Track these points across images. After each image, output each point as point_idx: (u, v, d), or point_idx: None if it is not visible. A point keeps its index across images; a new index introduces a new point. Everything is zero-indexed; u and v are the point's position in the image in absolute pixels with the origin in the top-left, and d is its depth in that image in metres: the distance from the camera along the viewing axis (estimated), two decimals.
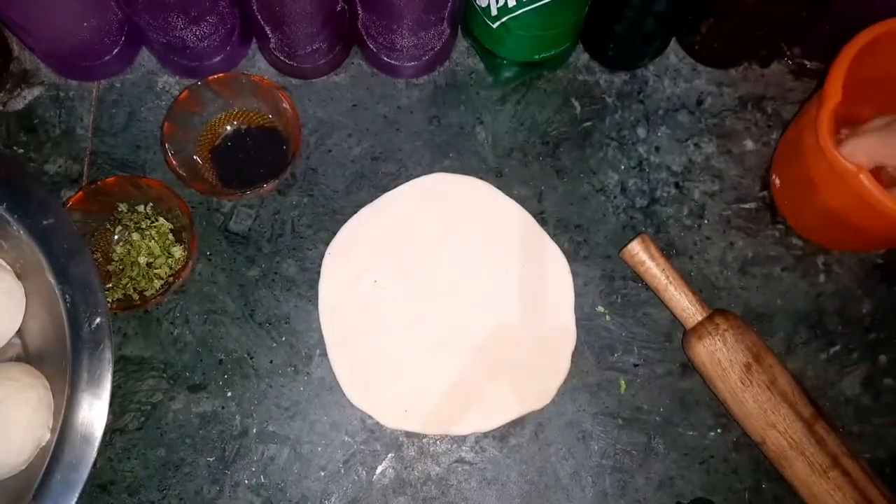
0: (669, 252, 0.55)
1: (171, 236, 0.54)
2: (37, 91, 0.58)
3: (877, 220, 0.46)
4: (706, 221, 0.56)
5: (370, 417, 0.51)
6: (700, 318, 0.51)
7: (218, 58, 0.57)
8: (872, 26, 0.47)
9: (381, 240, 0.54)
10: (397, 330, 0.52)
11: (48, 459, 0.41)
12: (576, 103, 0.59)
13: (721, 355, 0.49)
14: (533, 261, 0.54)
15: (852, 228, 0.51)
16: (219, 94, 0.55)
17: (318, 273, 0.54)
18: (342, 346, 0.52)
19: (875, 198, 0.44)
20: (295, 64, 0.57)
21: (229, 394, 0.52)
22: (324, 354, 0.52)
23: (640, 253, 0.51)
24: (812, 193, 0.51)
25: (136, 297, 0.52)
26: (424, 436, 0.51)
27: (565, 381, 0.52)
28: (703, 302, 0.52)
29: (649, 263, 0.51)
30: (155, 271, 0.53)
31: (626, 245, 0.52)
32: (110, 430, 0.51)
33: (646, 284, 0.53)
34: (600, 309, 0.54)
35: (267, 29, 0.53)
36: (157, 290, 0.52)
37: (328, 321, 0.53)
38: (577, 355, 0.53)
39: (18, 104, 0.58)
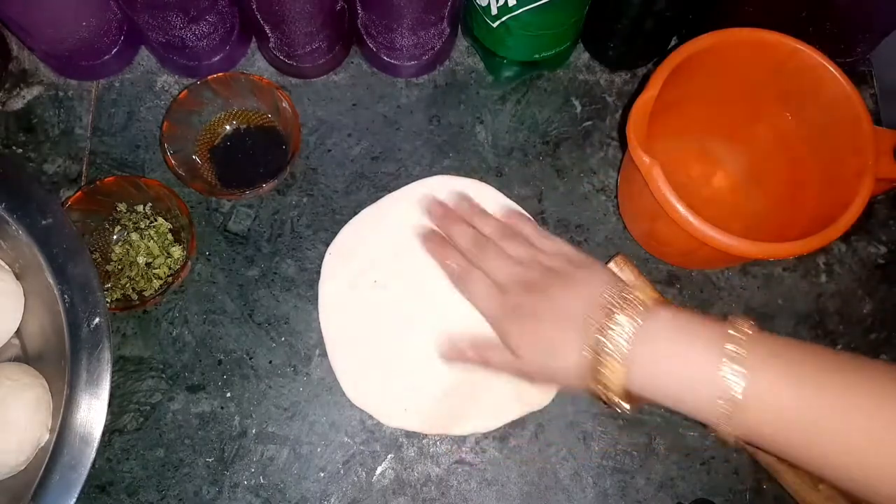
0: None
1: (170, 236, 0.54)
2: (36, 91, 0.58)
3: (673, 228, 0.45)
4: None
5: (370, 418, 0.51)
6: None
7: (217, 57, 0.57)
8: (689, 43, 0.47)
9: (381, 240, 0.54)
10: (397, 329, 0.52)
11: (47, 460, 0.41)
12: (576, 103, 0.59)
13: None
14: None
15: (655, 236, 0.52)
16: (218, 93, 0.55)
17: (318, 273, 0.53)
18: (342, 345, 0.52)
19: (661, 195, 0.44)
20: (294, 63, 0.57)
21: (228, 394, 0.52)
22: (323, 355, 0.52)
23: (616, 275, 0.51)
24: (629, 195, 0.52)
25: (135, 297, 0.52)
26: (424, 436, 0.51)
27: None
28: None
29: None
30: (154, 271, 0.53)
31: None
32: (109, 431, 0.51)
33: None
34: None
35: (266, 28, 0.53)
36: (156, 290, 0.52)
37: (328, 321, 0.52)
38: None
39: (17, 104, 0.58)
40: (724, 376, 0.37)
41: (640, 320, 0.40)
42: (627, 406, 0.41)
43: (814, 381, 0.37)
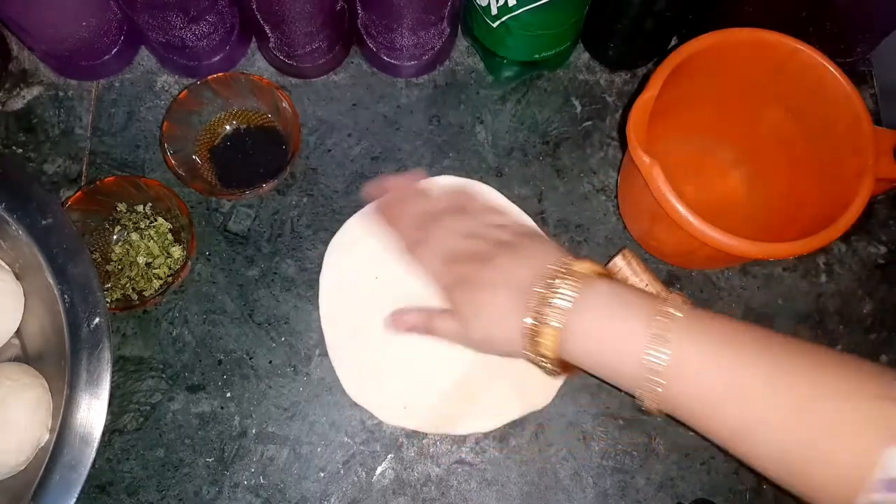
0: None
1: (170, 236, 0.54)
2: (36, 91, 0.58)
3: (673, 228, 0.45)
4: None
5: (370, 418, 0.51)
6: None
7: (217, 57, 0.57)
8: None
9: (381, 239, 0.54)
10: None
11: (47, 460, 0.41)
12: (576, 103, 0.59)
13: None
14: None
15: (655, 236, 0.52)
16: (218, 93, 0.55)
17: (318, 273, 0.53)
18: (342, 343, 0.52)
19: (661, 195, 0.44)
20: (294, 63, 0.57)
21: (228, 394, 0.52)
22: (323, 355, 0.52)
23: (623, 269, 0.51)
24: (629, 195, 0.52)
25: (134, 297, 0.52)
26: (424, 436, 0.51)
27: (566, 382, 0.52)
28: None
29: (633, 280, 0.51)
30: (154, 271, 0.53)
31: (609, 260, 0.52)
32: (109, 431, 0.51)
33: None
34: None
35: (266, 28, 0.53)
36: (155, 290, 0.52)
37: (329, 319, 0.52)
38: None
39: (17, 104, 0.58)
40: (648, 349, 0.38)
41: (579, 291, 0.41)
42: (562, 374, 0.43)
43: (736, 357, 0.38)
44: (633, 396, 0.40)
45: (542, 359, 0.42)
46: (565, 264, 0.42)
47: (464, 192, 0.53)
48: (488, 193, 0.55)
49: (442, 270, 0.47)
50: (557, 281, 0.41)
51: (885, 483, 0.33)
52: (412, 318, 0.49)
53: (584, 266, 0.42)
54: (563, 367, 0.42)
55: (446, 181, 0.56)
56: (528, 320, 0.41)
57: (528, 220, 0.55)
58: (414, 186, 0.53)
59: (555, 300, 0.41)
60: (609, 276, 0.43)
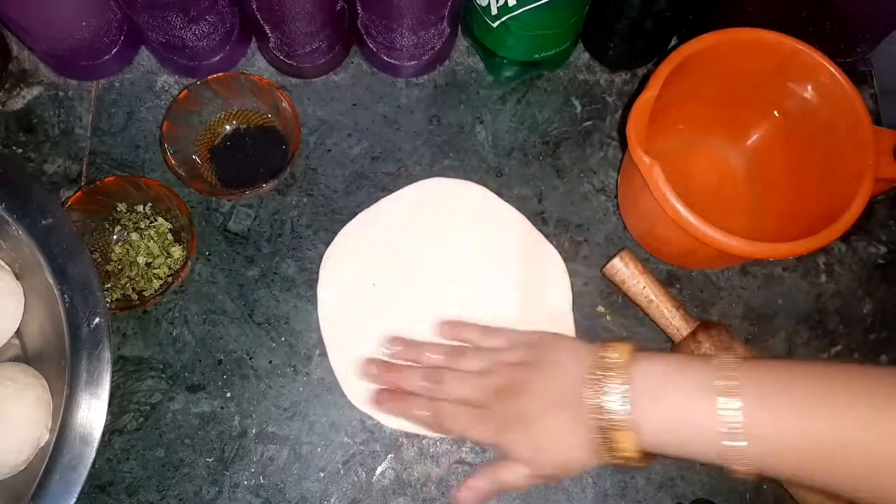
0: None
1: (170, 236, 0.54)
2: (36, 90, 0.58)
3: (673, 228, 0.45)
4: None
5: (370, 418, 0.51)
6: (685, 334, 0.50)
7: (217, 57, 0.57)
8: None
9: (380, 241, 0.54)
10: (396, 331, 0.52)
11: (47, 460, 0.41)
12: (576, 103, 0.59)
13: None
14: (531, 263, 0.54)
15: (655, 236, 0.52)
16: (218, 93, 0.55)
17: (318, 273, 0.53)
18: (342, 346, 0.52)
19: (661, 195, 0.44)
20: (294, 63, 0.57)
21: (228, 394, 0.52)
22: (323, 354, 0.52)
23: (621, 271, 0.51)
24: (629, 195, 0.52)
25: (134, 297, 0.52)
26: (424, 436, 0.51)
27: None
28: (689, 316, 0.51)
29: (630, 282, 0.51)
30: (154, 271, 0.53)
31: (608, 261, 0.52)
32: (109, 431, 0.51)
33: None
34: (601, 309, 0.54)
35: (266, 28, 0.53)
36: (155, 290, 0.52)
37: (328, 322, 0.52)
38: None
39: (17, 104, 0.58)
40: (721, 414, 0.36)
41: (628, 382, 0.39)
42: (651, 460, 0.40)
43: (808, 401, 0.36)
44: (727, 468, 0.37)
45: (626, 461, 0.39)
46: (597, 362, 0.40)
47: (448, 327, 0.50)
48: (485, 196, 0.55)
49: (476, 424, 0.44)
50: (603, 383, 0.39)
51: None
52: (482, 488, 0.44)
53: (616, 352, 0.40)
54: (647, 457, 0.40)
55: (439, 183, 0.56)
56: (594, 435, 0.39)
57: (526, 222, 0.55)
58: (401, 352, 0.50)
59: (610, 404, 0.38)
60: (639, 350, 0.41)
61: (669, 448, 0.39)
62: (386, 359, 0.50)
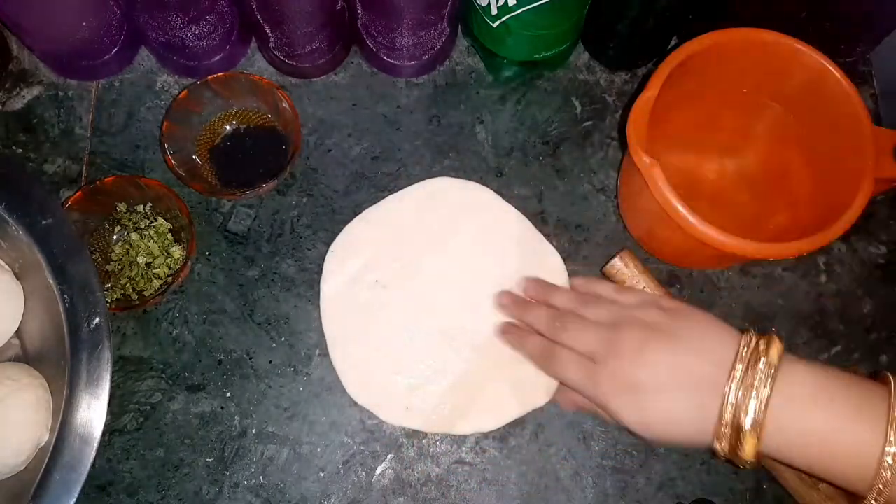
0: None
1: (170, 236, 0.54)
2: (36, 90, 0.58)
3: (673, 228, 0.45)
4: None
5: (370, 418, 0.51)
6: None
7: (217, 57, 0.57)
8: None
9: (382, 240, 0.54)
10: (398, 329, 0.52)
11: (47, 460, 0.41)
12: (576, 103, 0.59)
13: None
14: (531, 263, 0.54)
15: (655, 236, 0.52)
16: (218, 93, 0.55)
17: (318, 273, 0.53)
18: (343, 344, 0.52)
19: (661, 195, 0.44)
20: (294, 63, 0.57)
21: (228, 394, 0.52)
22: (323, 354, 0.52)
23: (621, 271, 0.51)
24: (629, 195, 0.52)
25: (134, 297, 0.52)
26: (424, 436, 0.51)
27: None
28: None
29: (630, 282, 0.51)
30: (154, 271, 0.53)
31: (608, 261, 0.52)
32: (109, 431, 0.51)
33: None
34: None
35: (266, 28, 0.53)
36: (155, 290, 0.52)
37: (329, 319, 0.52)
38: None
39: (17, 104, 0.58)
40: (889, 448, 0.34)
41: (773, 385, 0.37)
42: (751, 465, 0.39)
43: None
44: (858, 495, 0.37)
45: (736, 457, 0.38)
46: (755, 355, 0.38)
47: (584, 280, 0.49)
48: (486, 196, 0.55)
49: (585, 376, 0.42)
50: (752, 383, 0.37)
51: None
52: (582, 404, 0.46)
53: (773, 351, 0.38)
54: (757, 458, 0.38)
55: (441, 183, 0.56)
56: (722, 422, 0.37)
57: (526, 222, 0.55)
58: (535, 291, 0.50)
59: (753, 406, 0.37)
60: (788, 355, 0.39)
61: (796, 461, 0.37)
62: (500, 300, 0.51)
